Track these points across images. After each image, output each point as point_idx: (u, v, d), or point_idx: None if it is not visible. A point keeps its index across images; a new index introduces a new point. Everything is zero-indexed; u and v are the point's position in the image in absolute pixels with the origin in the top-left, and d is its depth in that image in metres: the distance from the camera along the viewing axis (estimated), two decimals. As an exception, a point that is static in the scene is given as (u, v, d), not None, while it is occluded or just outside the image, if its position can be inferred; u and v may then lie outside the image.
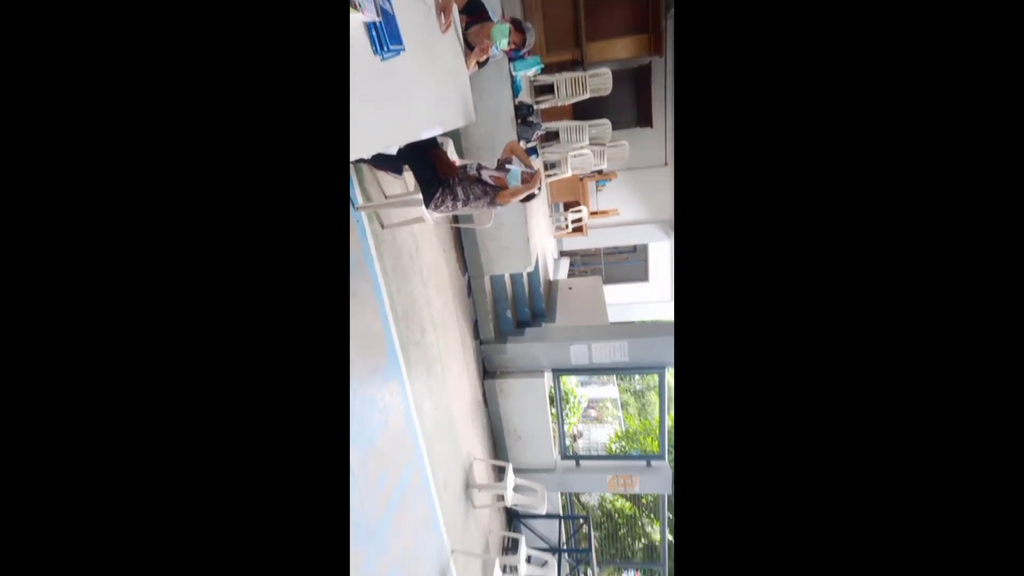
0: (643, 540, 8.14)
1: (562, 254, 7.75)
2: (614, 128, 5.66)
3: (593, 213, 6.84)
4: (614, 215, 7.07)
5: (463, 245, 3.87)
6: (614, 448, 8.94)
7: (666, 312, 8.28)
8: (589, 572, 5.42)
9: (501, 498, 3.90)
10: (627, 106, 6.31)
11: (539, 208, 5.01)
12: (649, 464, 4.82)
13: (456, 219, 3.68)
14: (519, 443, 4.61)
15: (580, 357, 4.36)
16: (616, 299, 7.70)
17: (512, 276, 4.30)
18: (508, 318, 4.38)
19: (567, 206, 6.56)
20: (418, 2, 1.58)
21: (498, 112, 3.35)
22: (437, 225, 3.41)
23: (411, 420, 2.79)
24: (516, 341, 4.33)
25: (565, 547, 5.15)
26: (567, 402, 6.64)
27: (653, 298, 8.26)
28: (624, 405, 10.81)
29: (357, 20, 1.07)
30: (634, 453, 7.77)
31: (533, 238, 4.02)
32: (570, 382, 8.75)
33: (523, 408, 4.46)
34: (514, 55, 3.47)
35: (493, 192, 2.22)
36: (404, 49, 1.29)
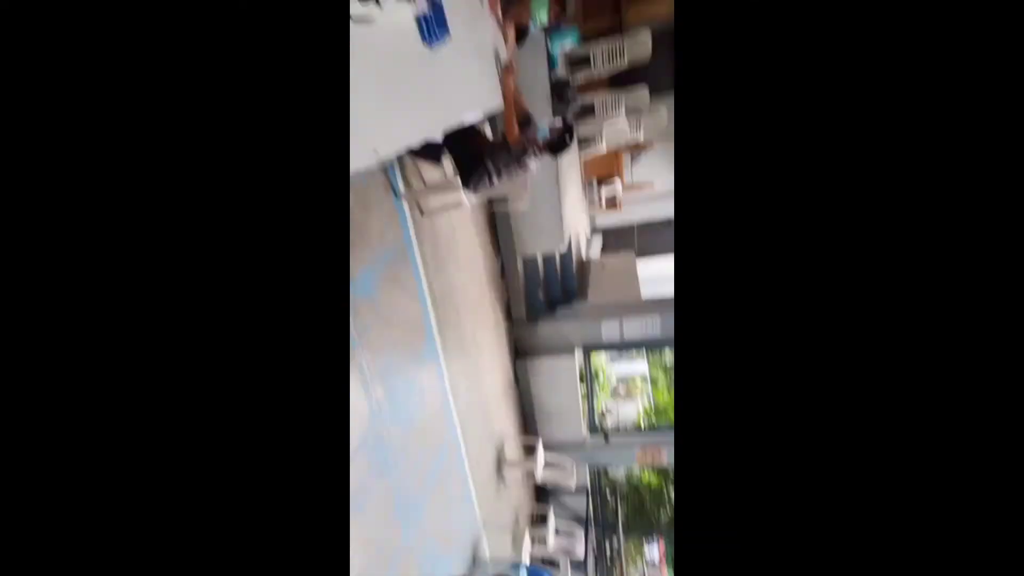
0: (669, 511, 8.24)
1: (595, 231, 7.59)
2: (652, 93, 5.38)
3: (627, 187, 6.62)
4: (649, 189, 6.83)
5: (497, 228, 3.83)
6: (643, 423, 8.95)
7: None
8: (615, 541, 5.50)
9: (532, 474, 3.99)
10: (667, 69, 5.91)
11: (572, 186, 4.87)
12: (680, 443, 4.81)
13: (491, 203, 3.62)
14: (549, 421, 4.68)
15: (611, 333, 4.33)
16: (651, 273, 7.56)
17: (544, 257, 4.26)
18: (539, 299, 4.36)
19: (601, 181, 6.37)
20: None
21: (534, 88, 3.23)
22: (472, 211, 3.37)
23: (447, 401, 2.85)
24: (548, 321, 4.32)
25: (592, 519, 5.27)
26: (597, 379, 6.70)
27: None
28: (653, 381, 10.76)
29: (408, 13, 1.03)
30: (662, 426, 7.77)
31: (566, 218, 3.93)
32: (600, 360, 8.76)
33: (553, 386, 4.49)
34: (552, 30, 3.31)
35: (520, 153, 2.14)
36: (450, 36, 1.24)
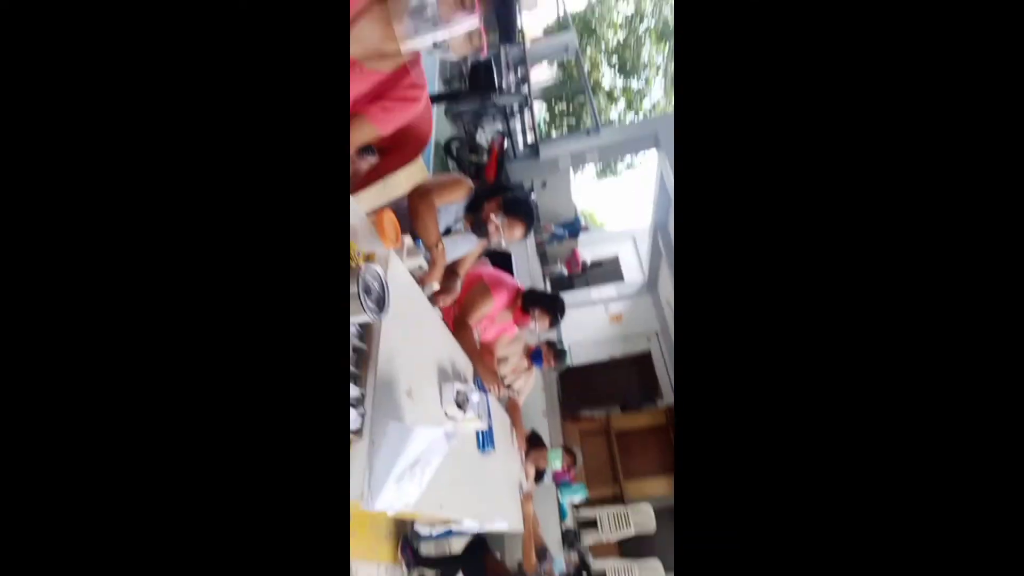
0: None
1: None
2: (666, 570, 5.20)
3: None
4: None
5: None
6: None
7: None
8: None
9: None
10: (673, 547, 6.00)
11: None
12: None
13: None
14: None
15: None
16: None
17: None
18: None
19: None
20: (504, 426, 2.21)
21: (548, 529, 3.42)
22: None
23: None
24: None
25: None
26: None
27: None
28: None
29: (474, 427, 1.57)
30: None
31: None
32: None
33: None
34: (562, 482, 3.90)
35: None
36: (495, 450, 1.73)
